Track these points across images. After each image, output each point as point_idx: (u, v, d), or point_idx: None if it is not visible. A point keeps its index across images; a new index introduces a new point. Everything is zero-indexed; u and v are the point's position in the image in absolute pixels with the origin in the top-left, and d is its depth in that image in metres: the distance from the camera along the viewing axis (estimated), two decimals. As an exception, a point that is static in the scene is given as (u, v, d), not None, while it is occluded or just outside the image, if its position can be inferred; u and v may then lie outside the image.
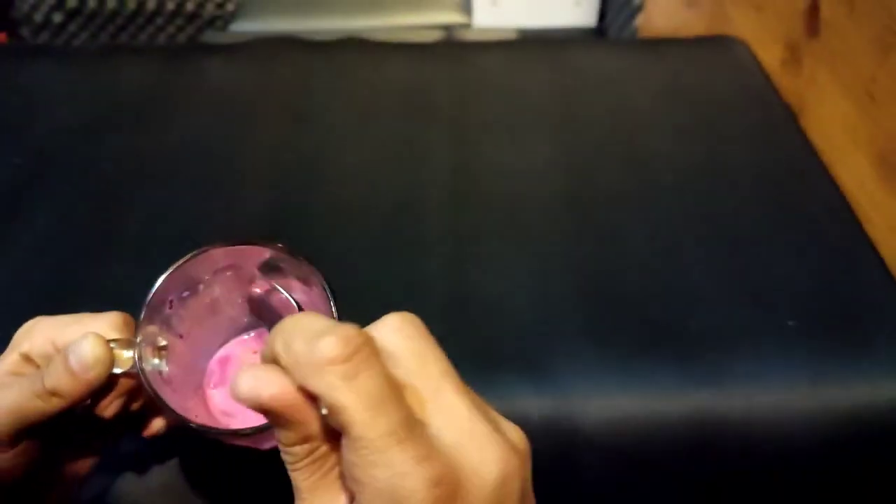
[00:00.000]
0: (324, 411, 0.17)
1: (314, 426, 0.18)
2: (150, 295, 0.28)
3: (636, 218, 0.48)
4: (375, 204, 0.49)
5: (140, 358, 0.27)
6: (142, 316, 0.27)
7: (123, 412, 0.29)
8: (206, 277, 0.30)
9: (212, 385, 0.31)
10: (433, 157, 0.54)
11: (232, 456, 0.36)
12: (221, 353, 0.32)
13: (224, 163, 0.53)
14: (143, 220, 0.48)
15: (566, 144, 0.55)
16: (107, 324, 0.28)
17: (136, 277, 0.44)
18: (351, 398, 0.17)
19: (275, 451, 0.20)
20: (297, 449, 0.19)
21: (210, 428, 0.27)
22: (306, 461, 0.19)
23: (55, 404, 0.26)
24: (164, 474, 0.36)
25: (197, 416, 0.28)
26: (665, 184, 0.51)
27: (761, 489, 0.40)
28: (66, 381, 0.26)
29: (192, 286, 0.29)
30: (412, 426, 0.17)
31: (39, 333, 0.28)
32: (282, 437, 0.19)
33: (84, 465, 0.31)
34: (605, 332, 0.41)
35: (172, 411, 0.26)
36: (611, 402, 0.38)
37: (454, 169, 0.52)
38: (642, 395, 0.38)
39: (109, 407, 0.28)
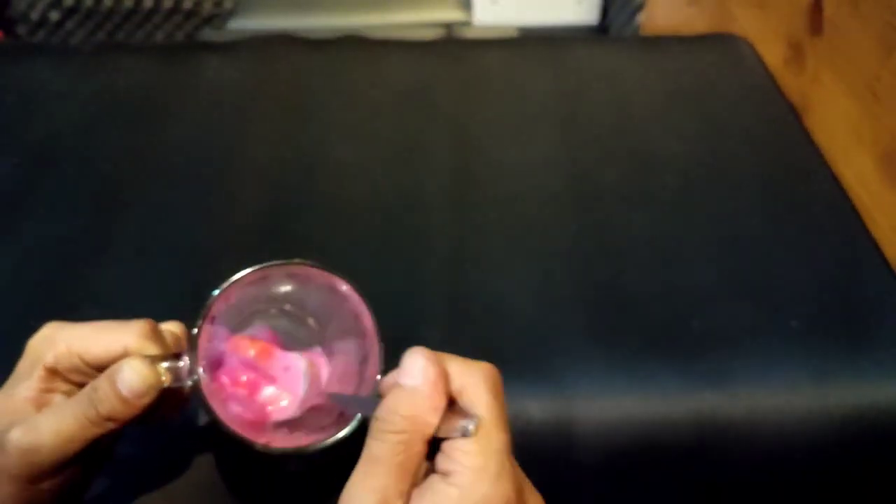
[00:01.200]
0: (470, 425, 0.23)
1: (433, 417, 0.24)
2: (212, 302, 0.28)
3: (638, 217, 0.48)
4: (375, 202, 0.49)
5: (194, 370, 0.27)
6: (199, 328, 0.27)
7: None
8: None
9: (240, 381, 0.30)
10: (433, 156, 0.53)
11: (235, 460, 0.35)
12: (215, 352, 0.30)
13: (222, 161, 0.53)
14: (141, 219, 0.48)
15: (567, 143, 0.54)
16: (136, 333, 0.28)
17: (134, 276, 0.44)
18: (496, 408, 0.24)
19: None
20: (402, 422, 0.24)
21: (273, 449, 0.27)
22: (402, 436, 0.24)
23: (109, 427, 0.26)
24: (166, 478, 0.35)
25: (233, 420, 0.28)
26: (667, 183, 0.51)
27: (764, 490, 0.40)
28: (120, 408, 0.26)
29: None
30: (510, 448, 0.24)
31: (62, 344, 0.28)
32: (401, 405, 0.24)
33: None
34: (608, 332, 0.40)
35: (229, 428, 0.27)
36: (613, 402, 0.38)
37: (454, 168, 0.52)
38: (644, 394, 0.38)
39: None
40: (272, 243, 0.46)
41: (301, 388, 0.30)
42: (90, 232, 0.47)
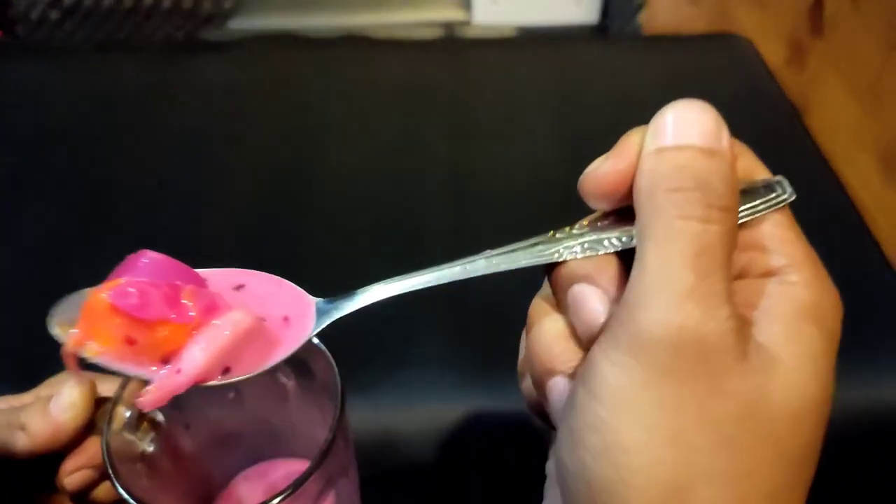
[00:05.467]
0: (780, 189, 0.18)
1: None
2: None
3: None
4: (374, 201, 0.49)
5: (109, 419, 0.23)
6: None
7: (86, 494, 0.25)
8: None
9: None
10: (432, 155, 0.53)
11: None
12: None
13: (221, 160, 0.53)
14: (138, 218, 0.48)
15: (567, 142, 0.54)
16: (134, 385, 0.24)
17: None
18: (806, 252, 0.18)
19: None
20: (720, 187, 0.16)
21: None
22: (718, 207, 0.16)
23: (21, 442, 0.24)
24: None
25: None
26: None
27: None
28: (37, 419, 0.24)
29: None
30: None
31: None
32: (708, 171, 0.16)
33: None
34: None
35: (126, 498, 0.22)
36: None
37: (454, 167, 0.52)
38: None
39: (74, 475, 0.25)
40: (270, 242, 0.46)
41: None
42: (87, 229, 0.47)
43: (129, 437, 0.24)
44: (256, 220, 0.48)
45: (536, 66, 0.63)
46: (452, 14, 1.20)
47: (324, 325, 0.22)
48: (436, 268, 0.21)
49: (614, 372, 0.16)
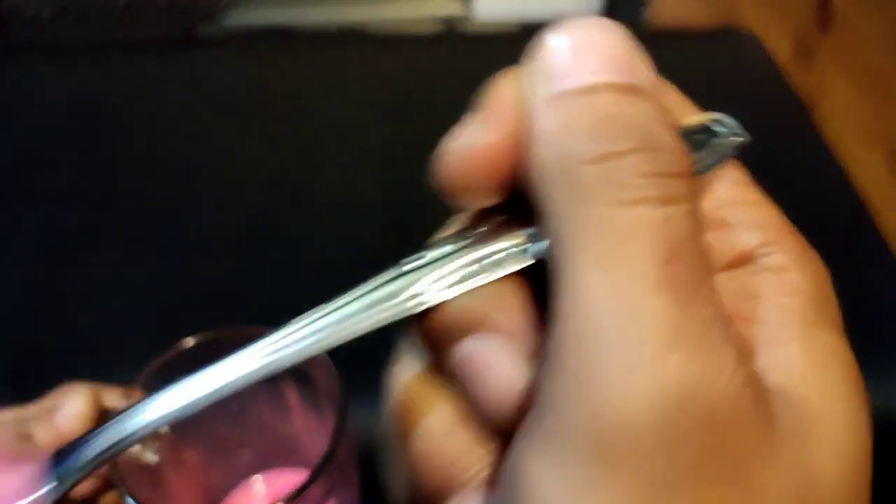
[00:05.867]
0: (725, 129, 0.12)
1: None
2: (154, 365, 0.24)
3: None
4: (372, 199, 0.48)
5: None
6: (138, 381, 0.24)
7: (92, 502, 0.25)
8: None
9: None
10: (432, 151, 0.52)
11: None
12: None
13: (218, 157, 0.52)
14: (134, 218, 0.47)
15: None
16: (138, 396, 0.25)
17: (126, 277, 0.44)
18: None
19: None
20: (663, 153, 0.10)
21: None
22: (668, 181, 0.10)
23: (26, 450, 0.24)
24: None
25: None
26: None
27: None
28: (43, 428, 0.25)
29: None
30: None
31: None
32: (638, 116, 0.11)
33: None
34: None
35: None
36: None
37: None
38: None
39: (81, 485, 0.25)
40: (266, 243, 0.46)
41: None
42: (80, 229, 0.46)
43: (134, 447, 0.24)
44: (253, 216, 0.47)
45: (538, 61, 0.62)
46: (452, 9, 1.19)
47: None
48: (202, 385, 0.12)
49: (560, 487, 0.09)
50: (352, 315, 0.12)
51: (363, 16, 1.15)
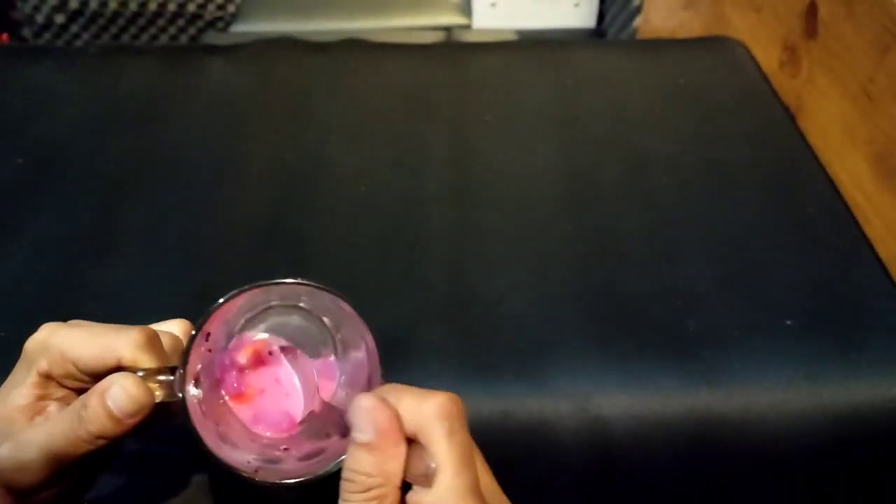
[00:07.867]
0: (432, 464, 0.22)
1: (396, 465, 0.23)
2: (205, 320, 0.26)
3: (635, 218, 0.48)
4: (375, 204, 0.50)
5: (182, 390, 0.25)
6: (191, 344, 0.25)
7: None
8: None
9: (232, 391, 0.29)
10: (433, 158, 0.54)
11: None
12: (233, 344, 0.29)
13: (225, 163, 0.53)
14: (144, 221, 0.48)
15: (565, 145, 0.55)
16: (131, 344, 0.26)
17: (137, 277, 0.45)
18: (452, 451, 0.22)
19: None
20: (367, 480, 0.23)
21: (261, 482, 0.25)
22: (370, 493, 0.23)
23: (100, 445, 0.26)
24: (170, 476, 0.36)
25: (229, 431, 0.27)
26: (663, 184, 0.51)
27: (759, 488, 0.40)
28: (110, 426, 0.25)
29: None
30: (478, 486, 0.23)
31: (56, 349, 0.26)
32: (361, 464, 0.23)
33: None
34: (605, 332, 0.41)
35: (212, 454, 0.25)
36: (610, 401, 0.38)
37: (454, 170, 0.53)
38: (641, 394, 0.38)
39: None
40: (275, 244, 0.47)
41: (292, 401, 0.29)
42: (95, 232, 0.47)
43: (191, 393, 0.26)
44: (259, 220, 0.48)
45: (535, 69, 0.64)
46: (452, 18, 1.20)
47: None
48: None
49: None
50: None
51: (367, 25, 1.17)
